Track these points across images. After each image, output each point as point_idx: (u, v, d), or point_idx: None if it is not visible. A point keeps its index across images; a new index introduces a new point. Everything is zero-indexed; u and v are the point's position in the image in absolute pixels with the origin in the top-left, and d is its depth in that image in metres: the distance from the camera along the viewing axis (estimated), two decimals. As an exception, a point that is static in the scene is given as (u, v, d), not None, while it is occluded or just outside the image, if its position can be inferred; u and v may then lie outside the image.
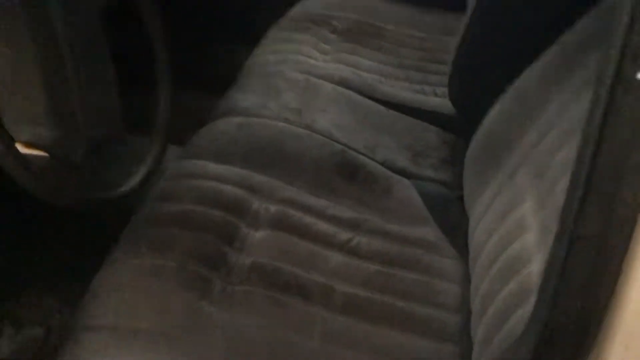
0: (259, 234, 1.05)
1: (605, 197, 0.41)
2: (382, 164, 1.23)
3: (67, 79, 0.85)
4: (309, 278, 0.99)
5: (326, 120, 1.27)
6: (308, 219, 1.08)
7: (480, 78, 1.19)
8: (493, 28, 1.17)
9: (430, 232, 1.12)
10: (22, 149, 0.82)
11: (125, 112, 1.10)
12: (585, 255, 0.42)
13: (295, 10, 1.74)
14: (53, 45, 0.83)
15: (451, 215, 1.15)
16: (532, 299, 0.58)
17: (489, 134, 1.10)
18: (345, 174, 1.18)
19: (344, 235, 1.08)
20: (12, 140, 0.82)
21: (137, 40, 1.07)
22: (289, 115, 1.26)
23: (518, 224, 0.89)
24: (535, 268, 0.79)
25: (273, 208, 1.08)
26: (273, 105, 1.27)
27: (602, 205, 0.41)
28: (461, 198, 1.17)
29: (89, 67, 0.89)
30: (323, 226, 1.08)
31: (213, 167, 1.13)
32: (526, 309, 0.72)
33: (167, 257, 0.97)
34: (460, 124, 1.30)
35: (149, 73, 1.14)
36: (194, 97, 1.76)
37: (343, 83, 1.40)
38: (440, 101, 1.40)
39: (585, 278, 0.42)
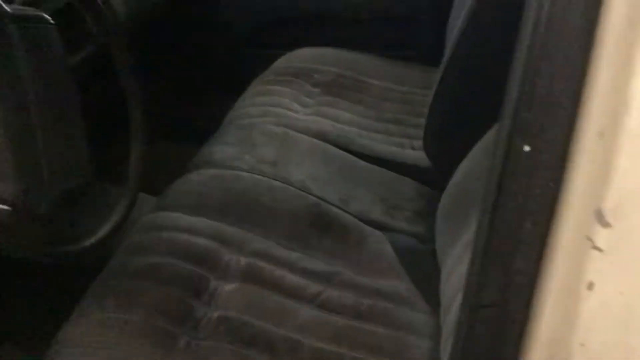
0: (228, 287, 1.04)
1: (502, 266, 0.42)
2: (356, 216, 1.23)
3: (32, 134, 0.85)
4: (276, 332, 0.98)
5: (301, 172, 1.28)
6: (279, 272, 1.08)
7: (452, 132, 1.21)
8: (464, 84, 1.19)
9: (402, 285, 1.11)
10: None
11: (101, 161, 1.11)
12: (488, 322, 0.43)
13: (278, 63, 1.77)
14: (18, 95, 0.84)
15: (424, 268, 1.15)
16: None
17: (459, 188, 1.11)
18: (319, 226, 1.18)
19: (314, 288, 1.07)
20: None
21: (114, 90, 1.09)
22: (265, 167, 1.26)
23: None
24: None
25: (244, 260, 1.08)
26: (248, 157, 1.28)
27: (499, 274, 0.42)
28: (434, 251, 1.16)
29: (57, 119, 0.90)
30: (294, 279, 1.08)
31: (186, 219, 1.14)
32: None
33: (132, 312, 0.96)
34: (436, 177, 1.30)
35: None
36: (174, 148, 1.78)
37: (320, 136, 1.41)
38: (417, 154, 1.41)
39: (488, 344, 0.42)
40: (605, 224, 0.37)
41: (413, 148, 1.43)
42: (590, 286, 0.38)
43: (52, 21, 0.93)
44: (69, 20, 1.21)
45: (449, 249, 1.08)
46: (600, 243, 0.38)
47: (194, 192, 1.20)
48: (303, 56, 1.76)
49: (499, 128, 0.46)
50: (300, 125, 1.44)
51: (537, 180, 0.41)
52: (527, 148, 0.42)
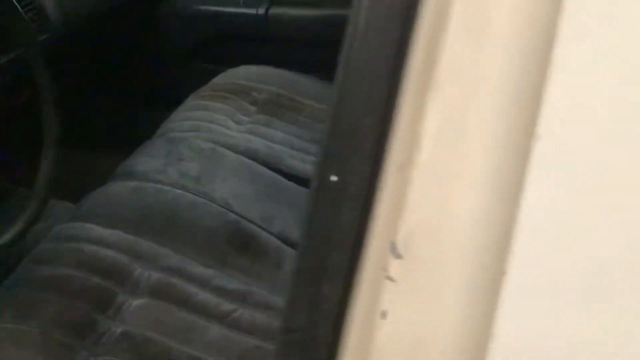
0: (136, 302, 1.02)
1: (311, 293, 0.42)
2: (278, 236, 1.22)
3: None
4: (180, 350, 0.96)
5: (225, 189, 1.26)
6: (191, 289, 1.06)
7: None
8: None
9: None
10: None
11: (27, 167, 1.08)
12: (295, 346, 0.43)
13: (217, 79, 1.76)
14: None
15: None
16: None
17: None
18: (237, 244, 1.17)
19: (226, 306, 1.05)
20: None
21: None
22: (187, 182, 1.25)
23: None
24: None
25: (155, 276, 1.06)
26: (172, 171, 1.26)
27: (307, 300, 0.43)
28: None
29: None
30: (206, 296, 1.06)
31: (99, 230, 1.11)
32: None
33: (31, 323, 0.93)
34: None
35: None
36: (109, 158, 1.75)
37: (251, 154, 1.40)
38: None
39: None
40: (397, 255, 0.38)
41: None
42: (384, 315, 0.38)
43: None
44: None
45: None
46: (392, 273, 0.38)
47: (110, 204, 1.18)
48: (243, 74, 1.75)
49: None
50: (230, 142, 1.43)
51: (343, 211, 0.42)
52: (334, 178, 0.42)
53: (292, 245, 1.22)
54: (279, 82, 1.77)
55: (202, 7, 1.97)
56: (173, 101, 1.70)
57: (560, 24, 0.34)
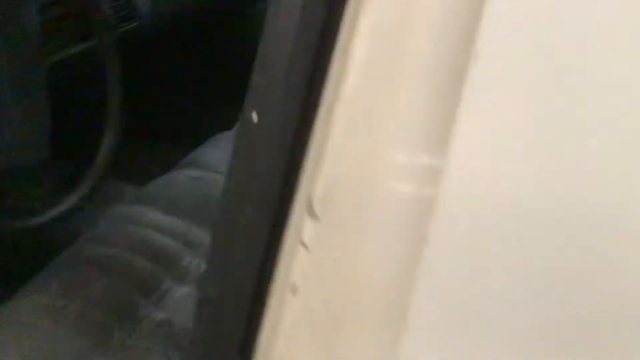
0: (182, 291, 1.00)
1: (223, 257, 0.36)
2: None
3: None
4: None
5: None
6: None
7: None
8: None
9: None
10: None
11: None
12: (209, 321, 0.37)
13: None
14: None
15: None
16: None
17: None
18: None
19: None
20: None
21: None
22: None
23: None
24: None
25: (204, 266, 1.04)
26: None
27: (221, 266, 0.36)
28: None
29: (19, 94, 0.88)
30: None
31: (156, 215, 1.10)
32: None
33: (74, 300, 0.93)
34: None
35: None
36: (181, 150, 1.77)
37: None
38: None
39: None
40: (313, 215, 0.31)
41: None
42: (294, 290, 0.31)
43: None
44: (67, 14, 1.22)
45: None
46: (306, 238, 0.31)
47: (171, 191, 1.17)
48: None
49: None
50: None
51: (260, 157, 0.36)
52: (254, 117, 0.36)
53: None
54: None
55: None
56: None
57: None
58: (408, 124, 0.30)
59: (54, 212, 0.94)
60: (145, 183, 1.33)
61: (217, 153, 1.28)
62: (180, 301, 0.98)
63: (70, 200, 0.97)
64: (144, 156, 1.71)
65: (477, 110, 0.27)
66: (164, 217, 1.11)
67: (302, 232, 0.32)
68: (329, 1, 0.33)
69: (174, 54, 2.00)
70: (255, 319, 0.35)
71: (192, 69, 2.06)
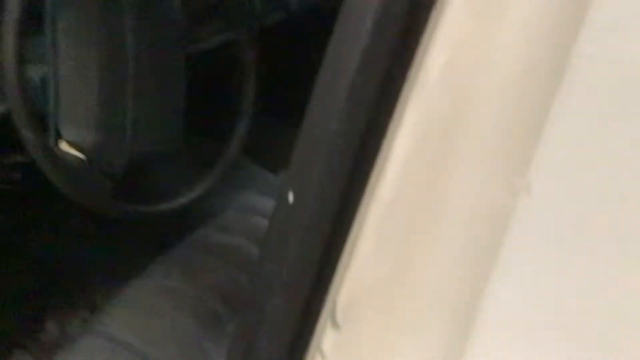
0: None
1: (244, 349, 0.32)
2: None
3: (125, 92, 0.87)
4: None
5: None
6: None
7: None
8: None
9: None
10: (65, 147, 0.86)
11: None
12: None
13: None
14: (119, 54, 0.87)
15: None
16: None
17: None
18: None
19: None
20: (58, 136, 0.87)
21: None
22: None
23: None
24: None
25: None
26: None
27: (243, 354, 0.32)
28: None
29: (155, 83, 0.91)
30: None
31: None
32: None
33: (193, 286, 0.95)
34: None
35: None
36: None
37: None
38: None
39: None
40: (334, 323, 0.26)
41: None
42: None
43: (176, -10, 0.95)
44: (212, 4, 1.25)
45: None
46: (325, 346, 0.27)
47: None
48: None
49: None
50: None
51: (293, 242, 0.31)
52: (290, 197, 0.31)
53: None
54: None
55: None
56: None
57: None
58: (447, 242, 0.26)
59: (184, 199, 0.97)
60: (278, 169, 1.34)
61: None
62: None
63: (201, 187, 0.99)
64: (280, 142, 1.73)
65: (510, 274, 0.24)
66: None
67: (322, 339, 0.29)
68: (376, 94, 0.29)
69: (317, 45, 2.00)
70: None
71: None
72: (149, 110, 0.90)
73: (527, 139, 0.25)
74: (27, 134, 0.76)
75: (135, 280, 0.98)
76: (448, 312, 0.26)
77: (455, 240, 0.26)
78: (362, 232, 0.28)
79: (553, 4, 0.26)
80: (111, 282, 1.30)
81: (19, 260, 1.34)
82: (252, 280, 0.37)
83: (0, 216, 1.36)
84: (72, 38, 0.84)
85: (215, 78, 1.49)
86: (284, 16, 1.55)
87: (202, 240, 1.05)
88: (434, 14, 0.28)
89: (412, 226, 0.27)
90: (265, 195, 1.15)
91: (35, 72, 0.87)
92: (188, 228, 1.12)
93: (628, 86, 0.24)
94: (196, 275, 0.97)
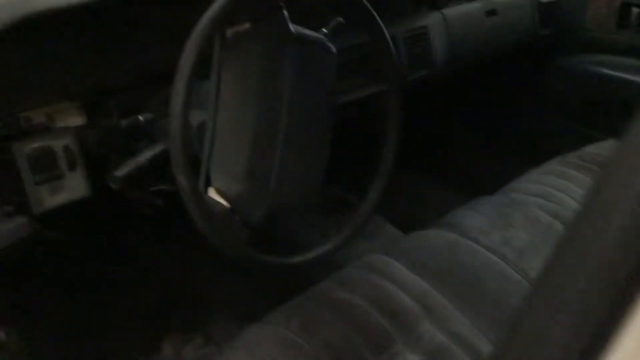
0: (411, 358, 0.98)
1: None
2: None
3: (275, 145, 0.91)
4: None
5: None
6: (468, 363, 0.98)
7: None
8: None
9: None
10: (212, 193, 0.90)
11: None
12: None
13: (590, 148, 1.60)
14: (274, 108, 0.90)
15: None
16: None
17: None
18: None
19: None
20: (208, 182, 0.92)
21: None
22: (508, 252, 1.15)
23: None
24: None
25: (440, 338, 1.01)
26: (496, 235, 1.18)
27: None
28: None
29: (303, 139, 0.94)
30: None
31: (403, 272, 1.10)
32: None
33: (311, 341, 0.96)
34: None
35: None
36: (448, 192, 1.75)
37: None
38: None
39: None
40: None
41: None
42: None
43: (333, 50, 0.98)
44: (360, 58, 1.27)
45: None
46: None
47: (423, 249, 1.16)
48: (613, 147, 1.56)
49: None
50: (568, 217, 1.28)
51: None
52: None
53: None
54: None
55: (593, 69, 1.82)
56: (537, 157, 1.61)
57: None
58: None
59: (316, 253, 0.99)
60: (410, 227, 1.34)
61: (479, 219, 1.23)
62: (407, 369, 0.96)
63: (334, 242, 1.01)
64: (414, 198, 1.73)
65: None
66: (411, 274, 1.10)
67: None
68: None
69: (459, 98, 2.00)
70: None
71: (476, 116, 2.04)
72: (295, 163, 0.93)
73: None
74: (181, 179, 0.81)
75: (256, 324, 1.01)
76: None
77: None
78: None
79: None
80: (229, 317, 1.35)
81: (146, 281, 1.42)
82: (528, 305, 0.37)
83: (138, 236, 1.46)
84: (233, 89, 0.89)
85: (356, 128, 1.53)
86: (428, 73, 1.56)
87: (323, 294, 1.06)
88: None
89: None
90: (390, 255, 1.15)
91: (193, 118, 0.93)
92: (310, 276, 1.14)
93: None
94: (314, 330, 0.98)
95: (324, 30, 1.13)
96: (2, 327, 1.28)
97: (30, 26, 0.89)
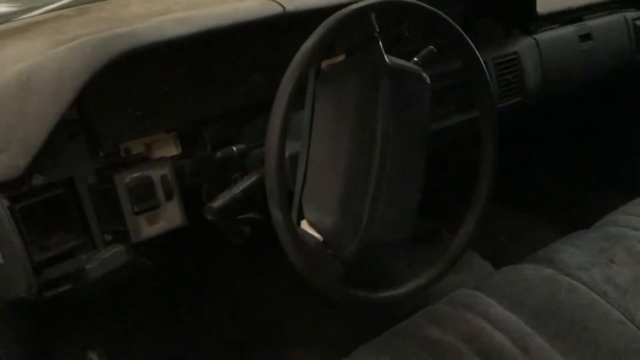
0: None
1: None
2: None
3: (368, 180, 0.89)
4: None
5: (654, 314, 1.06)
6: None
7: None
8: None
9: None
10: (305, 226, 0.90)
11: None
12: None
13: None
14: (368, 142, 0.89)
15: None
16: None
17: None
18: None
19: None
20: (300, 216, 0.91)
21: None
22: (610, 290, 1.09)
23: None
24: None
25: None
26: (597, 272, 1.12)
27: None
28: None
29: (397, 173, 0.92)
30: None
31: (497, 309, 1.06)
32: None
33: None
34: None
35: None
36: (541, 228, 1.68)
37: None
38: None
39: None
40: None
41: None
42: None
43: (427, 80, 0.96)
44: (450, 85, 1.24)
45: None
46: None
47: (518, 285, 1.11)
48: None
49: None
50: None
51: None
52: None
53: None
54: None
55: None
56: (635, 188, 1.53)
57: None
58: None
59: (407, 288, 0.96)
60: (500, 261, 1.29)
61: (578, 255, 1.17)
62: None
63: (426, 278, 0.98)
64: (505, 231, 1.68)
65: None
66: (506, 312, 1.05)
67: None
68: None
69: (553, 127, 1.93)
70: None
71: (570, 145, 1.96)
72: (389, 197, 0.91)
73: None
74: (276, 213, 0.80)
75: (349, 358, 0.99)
76: None
77: None
78: None
79: None
80: (312, 351, 1.34)
81: (232, 312, 1.43)
82: None
83: (226, 266, 1.47)
84: (327, 121, 0.89)
85: (448, 157, 1.50)
86: (520, 101, 1.52)
87: (412, 331, 1.03)
88: None
89: None
90: (483, 290, 1.10)
91: (287, 148, 0.92)
92: (395, 310, 1.11)
93: None
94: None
95: (416, 59, 1.11)
96: (96, 348, 1.31)
97: (134, 59, 0.92)
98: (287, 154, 0.95)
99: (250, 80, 1.10)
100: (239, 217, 1.10)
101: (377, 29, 0.90)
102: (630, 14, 1.84)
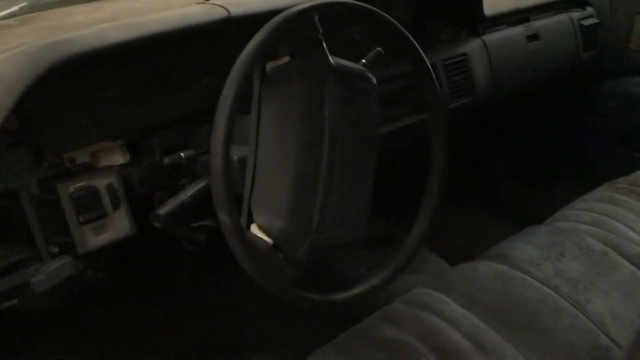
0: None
1: None
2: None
3: (316, 181, 0.88)
4: None
5: (604, 305, 1.08)
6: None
7: None
8: None
9: None
10: (255, 230, 0.89)
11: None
12: None
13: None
14: (315, 144, 0.89)
15: None
16: None
17: None
18: (598, 374, 0.99)
19: None
20: (250, 220, 0.90)
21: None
22: (561, 284, 1.11)
23: None
24: None
25: (493, 377, 0.96)
26: (548, 266, 1.14)
27: None
28: None
29: (346, 175, 0.92)
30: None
31: (452, 307, 1.06)
32: None
33: None
34: None
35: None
36: (495, 225, 1.70)
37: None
38: None
39: None
40: None
41: None
42: None
43: (374, 81, 0.96)
44: (401, 87, 1.25)
45: None
46: None
47: (471, 283, 1.12)
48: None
49: None
50: (631, 251, 1.23)
51: None
52: None
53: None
54: None
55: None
56: (585, 184, 1.56)
57: None
58: None
59: (359, 290, 0.96)
60: (457, 259, 1.30)
61: (529, 250, 1.19)
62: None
63: (378, 279, 0.98)
64: (459, 229, 1.69)
65: None
66: (460, 309, 1.06)
67: None
68: None
69: (502, 126, 1.96)
70: None
71: (520, 143, 2.00)
72: (339, 199, 0.91)
73: None
74: (223, 216, 0.79)
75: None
76: None
77: None
78: None
79: None
80: (273, 354, 1.32)
81: (188, 321, 1.40)
82: None
83: (180, 274, 1.45)
84: (274, 123, 0.88)
85: (399, 159, 1.51)
86: (470, 101, 1.54)
87: (369, 331, 1.03)
88: None
89: None
90: (438, 289, 1.11)
91: (234, 153, 0.92)
92: (353, 311, 1.11)
93: None
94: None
95: (364, 61, 1.11)
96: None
97: (74, 67, 0.90)
98: (235, 158, 0.95)
99: (199, 85, 1.09)
100: (193, 225, 1.09)
101: (321, 31, 0.90)
102: (576, 14, 1.89)
